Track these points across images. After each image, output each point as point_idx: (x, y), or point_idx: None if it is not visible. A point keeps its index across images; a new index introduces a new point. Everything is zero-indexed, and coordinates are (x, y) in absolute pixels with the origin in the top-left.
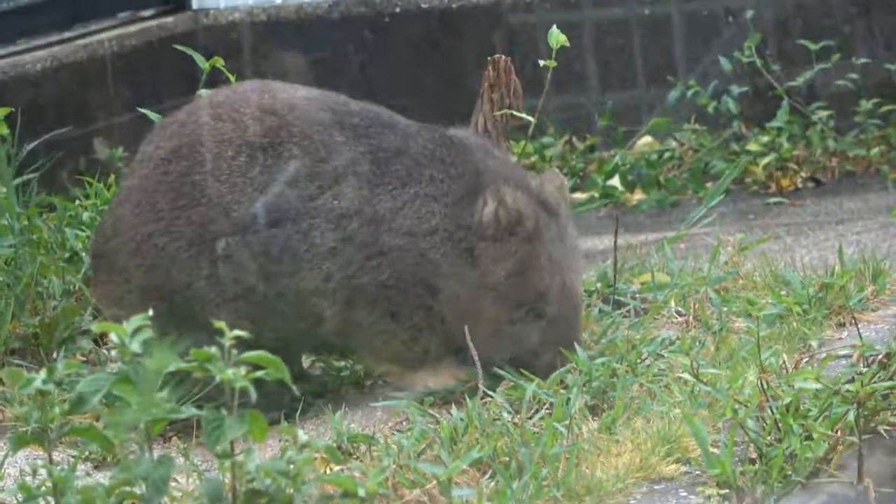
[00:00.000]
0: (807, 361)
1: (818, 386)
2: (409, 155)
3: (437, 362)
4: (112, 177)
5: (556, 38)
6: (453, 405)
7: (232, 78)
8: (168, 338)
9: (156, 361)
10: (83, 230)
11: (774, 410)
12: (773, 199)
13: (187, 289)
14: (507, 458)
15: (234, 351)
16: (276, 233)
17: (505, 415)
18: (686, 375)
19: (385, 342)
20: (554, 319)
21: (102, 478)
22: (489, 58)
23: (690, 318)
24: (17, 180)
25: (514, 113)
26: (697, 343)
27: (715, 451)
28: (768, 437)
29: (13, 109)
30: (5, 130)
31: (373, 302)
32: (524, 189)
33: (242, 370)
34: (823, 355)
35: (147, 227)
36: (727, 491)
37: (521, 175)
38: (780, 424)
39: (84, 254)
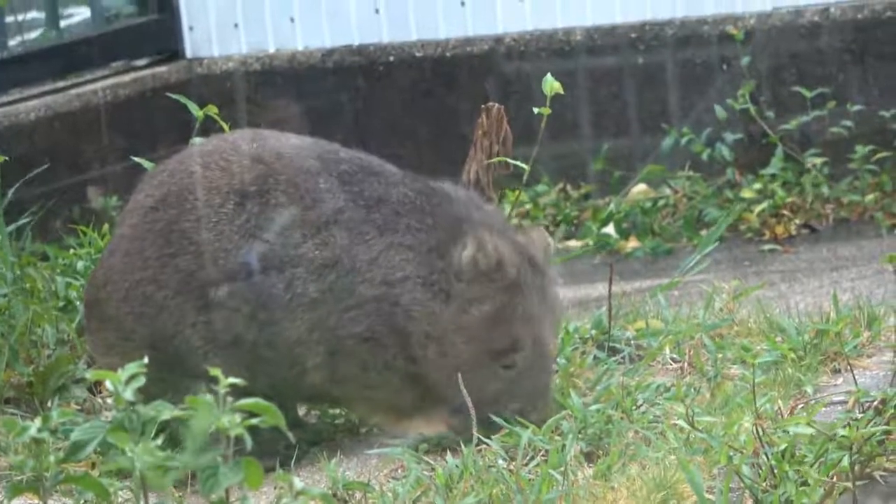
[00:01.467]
0: (802, 407)
1: (813, 432)
2: (388, 204)
3: (429, 410)
4: (106, 225)
5: (551, 85)
6: (449, 452)
7: (226, 126)
8: (162, 385)
9: (151, 409)
10: (77, 279)
11: (770, 457)
12: (767, 246)
13: (175, 337)
14: None
15: (229, 398)
16: (261, 281)
17: (500, 462)
18: (681, 422)
19: (372, 394)
20: (522, 373)
21: None
22: (482, 106)
23: (685, 364)
24: (11, 227)
25: (508, 161)
26: (692, 390)
27: (711, 497)
28: (764, 484)
29: (7, 158)
30: None
31: (353, 354)
32: (509, 240)
33: (238, 417)
34: (818, 401)
35: (135, 276)
36: None
37: (507, 228)
38: (775, 471)
39: (78, 303)
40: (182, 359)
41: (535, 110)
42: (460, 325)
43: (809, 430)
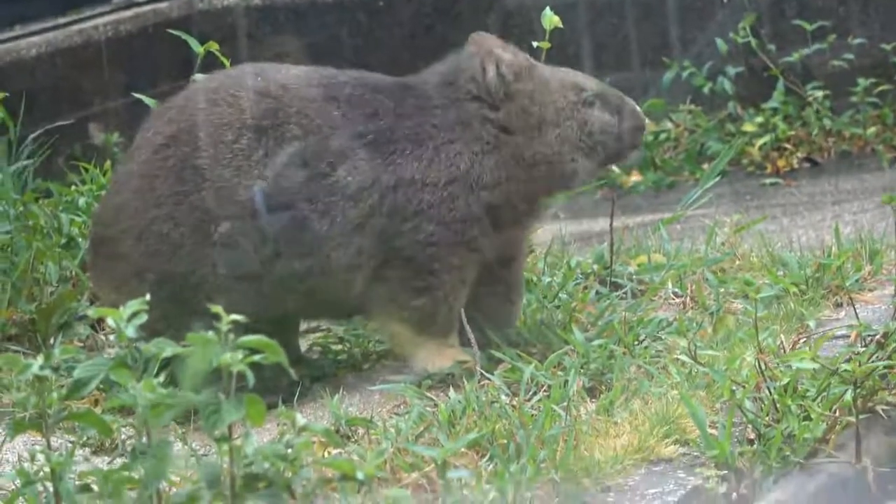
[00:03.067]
0: (804, 342)
1: (816, 366)
2: (406, 116)
3: (444, 338)
4: (108, 162)
5: (550, 19)
6: (451, 388)
7: (227, 62)
8: (164, 322)
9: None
10: (79, 216)
11: (772, 391)
12: (769, 180)
13: (191, 274)
14: (504, 441)
15: (232, 335)
16: (288, 214)
17: (503, 397)
18: (684, 357)
19: (416, 302)
20: (604, 95)
21: (100, 463)
22: None
23: (687, 299)
24: (14, 166)
25: None
26: (695, 324)
27: (713, 432)
28: (766, 418)
29: (8, 94)
30: (1, 114)
31: (411, 261)
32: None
33: (240, 354)
34: (821, 336)
35: (149, 213)
36: (725, 472)
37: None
38: (778, 405)
39: (81, 239)
40: (195, 295)
41: (535, 44)
42: (538, 124)
43: (812, 365)
